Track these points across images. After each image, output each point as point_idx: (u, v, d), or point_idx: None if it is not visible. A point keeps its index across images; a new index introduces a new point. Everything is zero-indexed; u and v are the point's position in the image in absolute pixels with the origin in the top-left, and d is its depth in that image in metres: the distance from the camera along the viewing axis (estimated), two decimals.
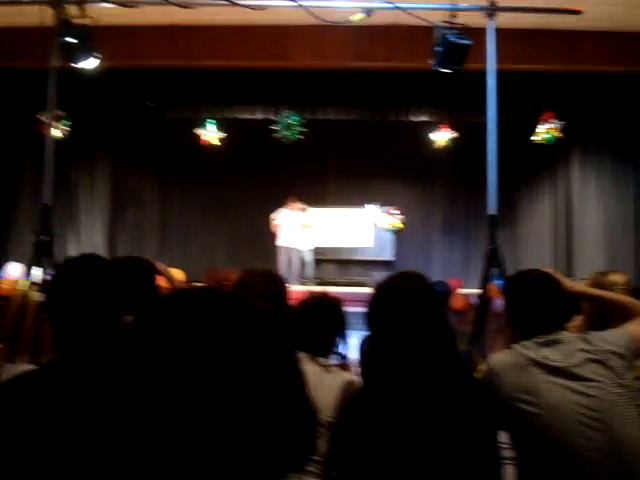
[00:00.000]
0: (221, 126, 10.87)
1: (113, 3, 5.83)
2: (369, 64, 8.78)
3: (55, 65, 5.20)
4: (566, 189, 11.31)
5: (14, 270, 9.74)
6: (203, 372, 0.70)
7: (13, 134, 10.52)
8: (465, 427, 1.89)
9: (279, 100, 10.40)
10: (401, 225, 12.38)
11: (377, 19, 6.85)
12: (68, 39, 5.42)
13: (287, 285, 2.88)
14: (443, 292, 9.15)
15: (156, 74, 9.63)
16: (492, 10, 5.44)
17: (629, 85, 9.20)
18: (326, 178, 12.86)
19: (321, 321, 2.53)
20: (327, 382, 2.28)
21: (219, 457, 0.69)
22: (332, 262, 12.70)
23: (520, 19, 7.50)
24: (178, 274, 9.57)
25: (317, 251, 11.76)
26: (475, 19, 5.55)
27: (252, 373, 0.72)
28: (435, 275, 11.74)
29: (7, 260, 10.31)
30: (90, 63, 5.74)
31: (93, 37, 5.64)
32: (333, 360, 2.54)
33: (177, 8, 5.87)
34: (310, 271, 11.31)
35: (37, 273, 4.97)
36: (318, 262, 12.17)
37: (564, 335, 2.27)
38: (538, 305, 2.33)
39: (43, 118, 8.26)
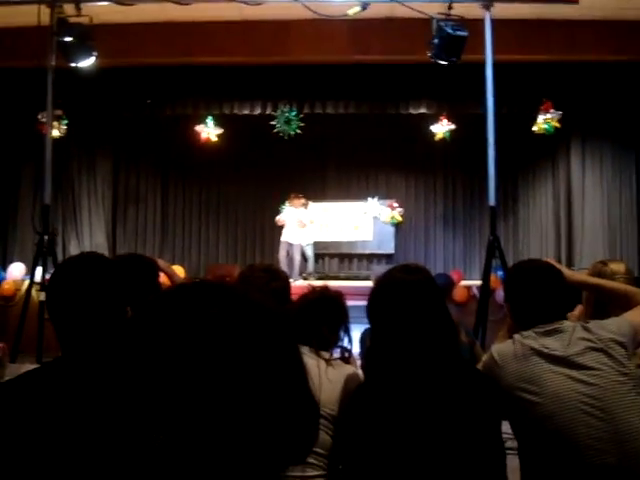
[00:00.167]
0: (220, 122, 10.86)
1: (109, 1, 5.83)
2: (367, 57, 8.78)
3: (53, 64, 5.20)
4: (566, 179, 11.30)
5: (17, 270, 9.77)
6: (204, 364, 0.71)
7: (13, 134, 10.53)
8: (468, 418, 1.91)
9: (277, 95, 10.39)
10: (400, 218, 12.38)
11: (374, 12, 6.85)
12: (65, 38, 5.41)
13: (289, 280, 2.89)
14: (445, 284, 9.22)
15: (154, 71, 9.62)
16: (488, 1, 5.44)
17: (628, 74, 9.19)
18: (325, 172, 12.85)
19: (323, 315, 2.54)
20: (330, 376, 2.29)
21: (220, 448, 0.70)
22: (333, 256, 12.71)
23: (517, 9, 7.48)
24: (179, 271, 9.60)
25: (318, 246, 11.77)
26: (472, 10, 5.55)
27: (252, 364, 0.73)
28: (436, 267, 11.76)
29: (10, 260, 10.34)
30: (88, 62, 5.73)
31: (90, 36, 5.63)
32: (336, 354, 2.55)
33: (173, 5, 5.87)
34: (311, 266, 11.32)
35: (39, 273, 4.98)
36: (319, 257, 12.19)
37: (565, 324, 2.28)
38: (538, 295, 2.33)
39: (42, 118, 8.28)
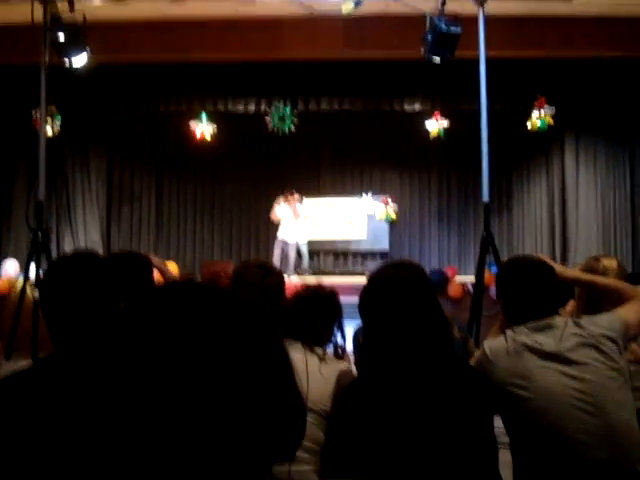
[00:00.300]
0: (214, 119, 10.85)
1: None
2: (361, 54, 8.78)
3: (46, 62, 5.18)
4: (560, 175, 11.33)
5: (11, 267, 9.75)
6: (192, 362, 0.72)
7: (7, 132, 10.51)
8: (460, 413, 1.92)
9: (272, 92, 10.38)
10: (394, 215, 12.38)
11: (368, 9, 6.86)
12: (58, 36, 5.40)
13: (283, 276, 2.90)
14: (439, 280, 9.24)
15: (148, 68, 9.61)
16: None
17: (622, 70, 9.21)
18: (320, 169, 12.85)
19: (316, 312, 2.55)
20: (323, 372, 2.30)
21: (208, 444, 0.71)
22: (328, 253, 12.72)
23: (511, 6, 7.50)
24: (172, 267, 9.60)
25: (312, 242, 11.77)
26: (465, 7, 5.55)
27: (239, 360, 0.74)
28: (431, 264, 11.78)
29: (4, 257, 10.32)
30: (81, 59, 5.72)
31: (84, 33, 5.62)
32: (329, 350, 2.56)
33: (168, 2, 5.86)
34: (306, 262, 11.33)
35: (34, 270, 4.97)
36: (314, 253, 12.19)
37: (556, 320, 2.29)
38: (530, 291, 2.34)
39: (36, 115, 8.25)
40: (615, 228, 10.90)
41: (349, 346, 2.80)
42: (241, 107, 10.47)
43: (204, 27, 8.37)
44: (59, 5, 5.30)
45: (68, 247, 10.85)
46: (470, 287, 8.93)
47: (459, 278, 9.98)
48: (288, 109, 10.45)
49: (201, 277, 10.01)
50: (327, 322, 2.58)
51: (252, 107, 10.47)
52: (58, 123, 10.02)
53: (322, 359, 2.36)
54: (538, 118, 9.87)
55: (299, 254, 11.10)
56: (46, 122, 5.70)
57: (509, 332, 2.30)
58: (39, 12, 5.15)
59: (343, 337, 2.63)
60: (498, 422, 2.19)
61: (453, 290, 9.37)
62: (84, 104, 10.23)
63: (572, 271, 2.87)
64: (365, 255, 12.56)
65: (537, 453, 2.14)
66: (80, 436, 1.02)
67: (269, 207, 11.68)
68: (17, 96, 9.27)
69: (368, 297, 2.11)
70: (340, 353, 2.59)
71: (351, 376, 2.33)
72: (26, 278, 5.14)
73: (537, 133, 10.20)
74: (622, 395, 2.14)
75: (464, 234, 12.52)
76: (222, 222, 12.93)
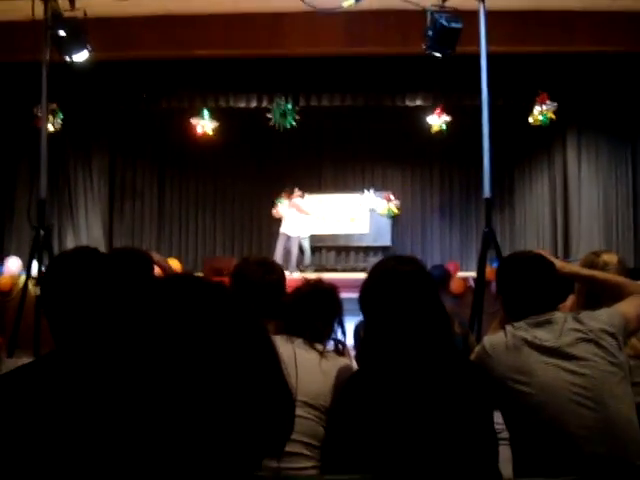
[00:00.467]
0: (216, 115, 10.85)
1: None
2: (362, 49, 8.76)
3: (47, 59, 5.18)
4: (562, 171, 11.32)
5: (13, 264, 9.77)
6: (180, 355, 0.72)
7: (9, 129, 10.51)
8: (460, 408, 1.92)
9: (273, 88, 10.37)
10: (396, 210, 12.39)
11: (369, 4, 6.84)
12: (59, 32, 5.40)
13: (284, 273, 2.90)
14: (441, 276, 9.24)
15: (150, 65, 9.60)
16: None
17: (624, 65, 9.18)
18: (322, 165, 12.86)
19: (317, 308, 2.54)
20: (323, 368, 2.30)
21: (198, 440, 0.71)
22: (330, 249, 12.73)
23: (512, 0, 7.48)
24: (175, 264, 9.60)
25: (315, 238, 11.78)
26: (466, 2, 5.54)
27: (224, 351, 0.74)
28: (433, 259, 11.78)
29: (6, 255, 10.34)
30: (82, 56, 5.72)
31: (85, 29, 5.62)
32: (330, 346, 2.56)
33: None
34: (308, 258, 11.33)
35: (36, 267, 4.98)
36: (316, 249, 12.20)
37: (556, 315, 2.29)
38: (529, 286, 2.34)
39: (38, 112, 8.26)
40: (617, 224, 10.88)
41: (349, 341, 2.80)
42: (242, 103, 10.46)
43: (205, 23, 8.35)
44: (60, 1, 5.30)
45: (70, 244, 10.86)
46: (472, 283, 8.93)
47: (461, 274, 9.98)
48: (289, 105, 10.45)
49: (203, 273, 10.01)
50: (327, 317, 2.58)
51: (253, 103, 10.46)
52: (60, 120, 10.03)
53: (322, 355, 2.37)
54: (540, 114, 9.85)
55: (301, 250, 11.11)
56: (47, 119, 5.71)
57: (509, 327, 2.30)
58: (40, 9, 5.15)
59: (343, 333, 2.63)
60: (498, 418, 2.19)
61: (455, 286, 9.37)
62: (85, 101, 10.23)
63: (572, 266, 2.87)
64: (367, 251, 12.56)
65: (537, 448, 2.14)
66: (79, 430, 1.02)
67: (271, 203, 11.70)
68: (18, 94, 9.27)
69: (369, 291, 2.12)
70: (340, 349, 2.59)
71: (351, 372, 2.33)
72: (28, 275, 5.15)
73: (539, 129, 10.19)
74: (622, 390, 2.15)
75: (466, 230, 12.52)
76: (224, 218, 12.94)
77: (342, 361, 2.43)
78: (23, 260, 9.36)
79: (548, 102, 9.77)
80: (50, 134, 6.04)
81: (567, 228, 11.15)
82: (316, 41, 8.43)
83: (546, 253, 2.58)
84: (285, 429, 0.81)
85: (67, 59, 5.68)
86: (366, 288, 2.12)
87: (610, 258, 3.06)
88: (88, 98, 10.14)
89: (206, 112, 10.73)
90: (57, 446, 1.18)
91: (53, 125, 9.45)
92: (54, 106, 9.37)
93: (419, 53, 5.90)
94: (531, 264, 2.39)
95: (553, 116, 9.86)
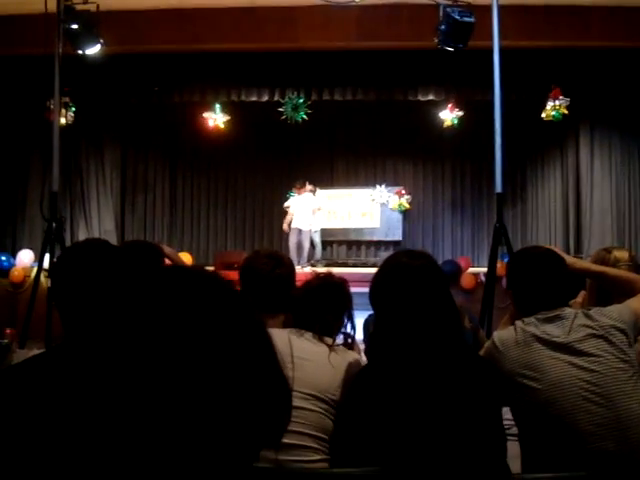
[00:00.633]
0: (228, 109, 10.87)
1: None
2: (374, 44, 8.75)
3: (60, 52, 5.20)
4: (575, 166, 11.26)
5: (26, 257, 9.83)
6: (179, 348, 0.73)
7: (21, 122, 10.56)
8: (468, 403, 1.91)
9: (285, 82, 10.37)
10: (408, 205, 12.37)
11: None
12: (72, 26, 5.43)
13: (294, 266, 2.89)
14: (451, 271, 9.23)
15: (162, 58, 9.62)
16: None
17: (638, 61, 9.12)
18: (333, 159, 12.85)
19: (326, 301, 2.54)
20: (333, 361, 2.30)
21: (194, 432, 0.72)
22: (341, 243, 12.73)
23: None
24: (186, 258, 9.63)
25: (325, 233, 11.78)
26: None
27: (220, 342, 0.75)
28: (444, 254, 11.78)
29: (19, 247, 10.41)
30: (94, 49, 5.75)
31: (97, 23, 5.64)
32: (339, 340, 2.56)
33: None
34: (319, 253, 11.34)
35: (48, 259, 5.02)
36: (327, 244, 12.21)
37: (566, 311, 2.28)
38: (540, 281, 2.34)
39: (50, 105, 8.30)
40: (630, 219, 10.83)
41: (359, 335, 2.80)
42: (254, 97, 10.46)
43: (218, 16, 8.36)
44: None
45: (82, 237, 10.91)
46: (483, 278, 8.91)
47: (472, 269, 9.96)
48: (301, 99, 10.44)
49: (214, 268, 10.04)
50: (337, 311, 2.58)
51: (265, 97, 10.45)
52: (72, 113, 10.06)
53: (332, 349, 2.37)
54: (553, 109, 9.80)
55: (312, 244, 11.12)
56: (60, 112, 5.73)
57: (519, 323, 2.30)
58: (53, 2, 5.19)
59: (353, 327, 2.63)
60: (507, 414, 2.19)
61: (466, 281, 9.36)
62: (98, 94, 10.26)
63: (583, 262, 2.86)
64: (378, 245, 12.56)
65: (546, 444, 2.13)
66: (87, 419, 1.03)
67: (283, 197, 11.71)
68: (31, 87, 9.31)
69: (379, 285, 2.11)
70: (349, 342, 2.59)
71: (360, 366, 2.33)
72: (40, 267, 5.19)
73: (552, 124, 10.13)
74: (631, 386, 2.14)
75: (477, 225, 12.49)
76: (236, 212, 12.96)
77: (351, 355, 2.43)
78: (35, 252, 9.43)
79: (561, 97, 9.72)
80: (62, 127, 6.08)
81: (579, 224, 11.10)
82: (328, 35, 8.43)
83: (557, 248, 2.57)
84: (282, 420, 0.81)
85: (79, 52, 5.71)
86: (377, 282, 2.12)
87: (621, 254, 3.05)
88: (100, 91, 10.17)
89: (218, 106, 10.74)
90: (65, 436, 1.19)
91: (65, 118, 9.48)
92: (67, 99, 9.39)
93: (431, 47, 5.89)
94: (542, 259, 2.38)
95: (566, 111, 9.80)
